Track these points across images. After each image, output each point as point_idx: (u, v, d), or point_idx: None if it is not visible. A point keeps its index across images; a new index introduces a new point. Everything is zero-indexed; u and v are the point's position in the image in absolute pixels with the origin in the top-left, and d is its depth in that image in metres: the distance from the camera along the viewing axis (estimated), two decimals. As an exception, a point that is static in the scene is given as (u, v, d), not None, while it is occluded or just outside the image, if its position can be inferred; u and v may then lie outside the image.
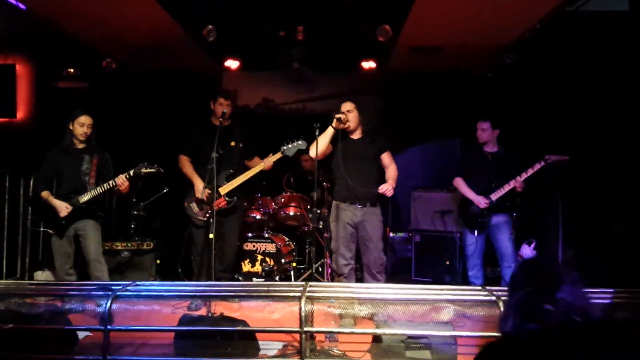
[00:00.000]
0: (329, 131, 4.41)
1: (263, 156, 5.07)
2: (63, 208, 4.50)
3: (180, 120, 6.30)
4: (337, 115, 4.37)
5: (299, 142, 4.90)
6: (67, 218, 4.51)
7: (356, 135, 4.58)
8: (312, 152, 4.42)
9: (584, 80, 5.89)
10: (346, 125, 4.43)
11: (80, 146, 4.66)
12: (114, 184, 4.51)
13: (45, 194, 4.56)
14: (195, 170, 5.01)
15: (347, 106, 4.50)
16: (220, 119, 4.85)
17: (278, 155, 4.97)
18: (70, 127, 4.61)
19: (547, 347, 1.57)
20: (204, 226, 4.92)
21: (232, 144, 5.04)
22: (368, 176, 4.46)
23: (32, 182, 4.84)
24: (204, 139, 4.86)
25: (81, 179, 4.61)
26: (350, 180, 4.38)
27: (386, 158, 4.58)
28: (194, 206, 5.01)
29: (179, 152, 5.12)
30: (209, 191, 4.71)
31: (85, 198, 4.53)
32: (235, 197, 5.00)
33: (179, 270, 5.83)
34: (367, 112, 4.62)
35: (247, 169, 5.08)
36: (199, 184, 4.92)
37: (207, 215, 4.85)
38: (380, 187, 4.33)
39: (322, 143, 4.40)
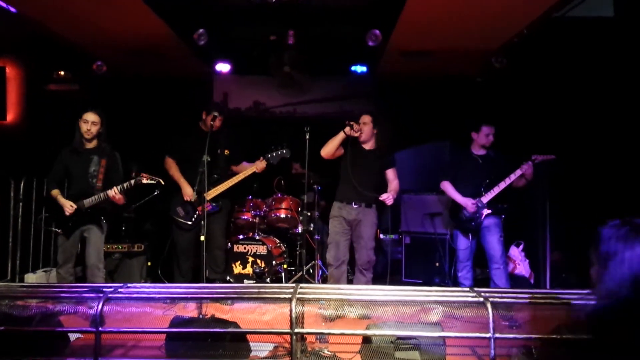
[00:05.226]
0: (340, 136, 4.67)
1: (252, 159, 5.13)
2: (67, 206, 4.46)
3: (170, 122, 6.31)
4: (351, 123, 4.65)
5: (284, 151, 5.08)
6: (74, 220, 4.49)
7: (367, 147, 4.89)
8: (322, 153, 4.74)
9: (571, 84, 5.97)
10: (357, 135, 4.70)
11: (90, 146, 4.57)
12: (105, 196, 4.44)
13: (55, 192, 4.54)
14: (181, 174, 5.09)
15: (364, 119, 4.82)
16: (210, 126, 4.95)
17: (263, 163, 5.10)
18: (79, 126, 4.52)
19: None
20: (189, 229, 5.01)
21: (219, 151, 5.10)
22: (371, 183, 4.77)
23: (46, 181, 4.78)
24: (193, 144, 4.95)
25: (89, 181, 4.54)
26: (356, 184, 4.67)
27: (390, 174, 4.90)
28: (180, 210, 5.05)
29: (166, 154, 5.17)
30: (195, 195, 4.89)
31: (88, 203, 4.49)
32: (220, 202, 5.06)
33: (159, 273, 5.86)
34: (384, 129, 4.93)
35: (233, 174, 5.15)
36: (187, 188, 4.99)
37: (193, 219, 4.93)
38: (382, 195, 4.66)
39: (332, 146, 4.69)
